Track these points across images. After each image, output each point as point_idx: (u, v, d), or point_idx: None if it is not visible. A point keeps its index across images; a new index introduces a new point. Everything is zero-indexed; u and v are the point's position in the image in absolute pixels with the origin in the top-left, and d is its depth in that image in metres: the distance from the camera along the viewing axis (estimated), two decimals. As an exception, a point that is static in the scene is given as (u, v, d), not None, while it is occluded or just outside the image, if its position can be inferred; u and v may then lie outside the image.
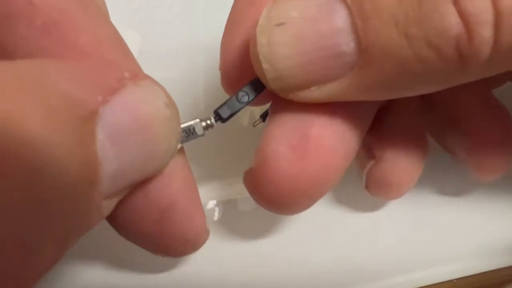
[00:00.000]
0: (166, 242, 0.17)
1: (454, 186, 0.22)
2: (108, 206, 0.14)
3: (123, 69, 0.14)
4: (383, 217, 0.22)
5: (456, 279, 0.21)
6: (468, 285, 0.21)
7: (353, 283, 0.20)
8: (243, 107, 0.16)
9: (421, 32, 0.13)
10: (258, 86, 0.16)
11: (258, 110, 0.23)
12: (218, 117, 0.16)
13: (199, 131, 0.16)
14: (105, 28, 0.16)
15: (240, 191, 0.22)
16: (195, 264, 0.20)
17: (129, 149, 0.13)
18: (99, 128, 0.12)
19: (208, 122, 0.16)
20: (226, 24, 0.17)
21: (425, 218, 0.22)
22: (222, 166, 0.23)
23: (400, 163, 0.19)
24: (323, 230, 0.21)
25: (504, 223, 0.22)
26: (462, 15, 0.13)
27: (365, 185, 0.20)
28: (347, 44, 0.14)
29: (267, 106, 0.23)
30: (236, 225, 0.21)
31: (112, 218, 0.16)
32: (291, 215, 0.17)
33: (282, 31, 0.15)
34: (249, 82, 0.16)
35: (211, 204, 0.22)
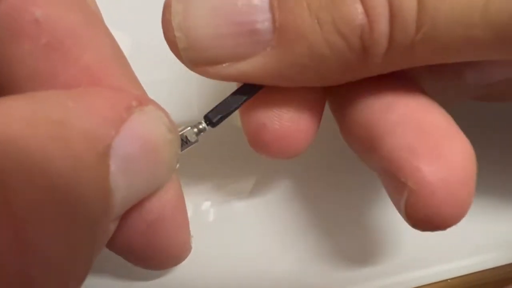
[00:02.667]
0: (150, 254, 0.17)
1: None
2: (113, 228, 0.15)
3: (130, 97, 0.14)
4: (376, 217, 0.22)
5: (451, 279, 0.21)
6: (463, 284, 0.21)
7: (348, 283, 0.20)
8: (233, 111, 0.16)
9: (331, 18, 0.14)
10: (248, 90, 0.16)
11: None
12: (208, 121, 0.16)
13: (192, 138, 0.16)
14: (108, 45, 0.16)
15: (234, 191, 0.22)
16: (190, 265, 0.20)
17: (137, 176, 0.14)
18: (112, 160, 0.13)
19: (200, 127, 0.16)
20: None
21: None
22: (216, 167, 0.23)
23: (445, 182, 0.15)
24: (319, 230, 0.21)
25: (499, 221, 0.22)
26: (365, 6, 0.14)
27: (409, 223, 0.16)
28: (262, 22, 0.14)
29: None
30: (231, 226, 0.21)
31: None
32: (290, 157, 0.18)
33: (199, 1, 0.15)
34: (239, 87, 0.16)
35: (205, 205, 0.22)
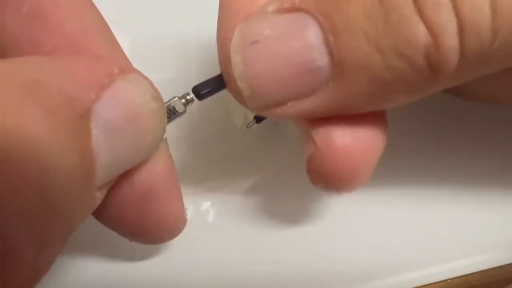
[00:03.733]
0: (145, 227, 0.17)
1: (449, 184, 0.22)
2: (100, 196, 0.15)
3: (112, 64, 0.14)
4: (376, 218, 0.22)
5: (451, 279, 0.21)
6: (463, 284, 0.21)
7: (348, 283, 0.20)
8: (222, 89, 0.16)
9: (391, 43, 0.13)
10: None
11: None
12: (196, 93, 0.16)
13: (179, 108, 0.16)
14: (91, 14, 0.16)
15: (234, 191, 0.22)
16: (190, 265, 0.20)
17: (121, 142, 0.14)
18: (93, 123, 0.13)
19: (188, 97, 0.16)
20: (218, 20, 0.17)
21: (418, 218, 0.22)
22: (217, 167, 0.23)
23: (348, 145, 0.17)
24: (318, 231, 0.21)
25: (499, 221, 0.22)
26: (428, 25, 0.13)
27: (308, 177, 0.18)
28: (321, 59, 0.14)
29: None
30: (231, 227, 0.21)
31: None
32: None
33: (256, 49, 0.15)
34: None
35: (205, 205, 0.22)
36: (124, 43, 0.23)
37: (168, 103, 0.16)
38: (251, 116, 0.22)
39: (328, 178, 0.16)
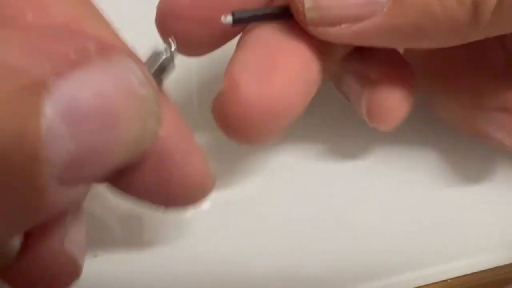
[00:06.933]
0: (169, 190, 0.16)
1: (449, 184, 0.22)
2: (73, 194, 0.13)
3: (86, 39, 0.13)
4: (376, 217, 0.22)
5: (451, 279, 0.21)
6: (463, 284, 0.21)
7: (348, 283, 0.20)
8: (256, 20, 0.17)
9: None
10: (281, 15, 0.17)
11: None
12: (232, 16, 0.16)
13: (168, 64, 0.15)
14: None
15: (234, 191, 0.22)
16: (190, 265, 0.20)
17: (91, 132, 0.12)
18: (47, 102, 0.11)
19: (172, 49, 0.15)
20: None
21: (418, 218, 0.22)
22: (217, 168, 0.23)
23: (395, 87, 0.19)
24: (318, 231, 0.21)
25: (499, 221, 0.22)
26: None
27: (365, 113, 0.19)
28: None
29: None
30: (231, 226, 0.21)
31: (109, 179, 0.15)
32: (256, 144, 0.18)
33: None
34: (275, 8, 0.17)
35: (205, 205, 0.22)
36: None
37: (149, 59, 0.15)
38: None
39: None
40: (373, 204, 0.22)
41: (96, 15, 0.15)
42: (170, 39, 0.15)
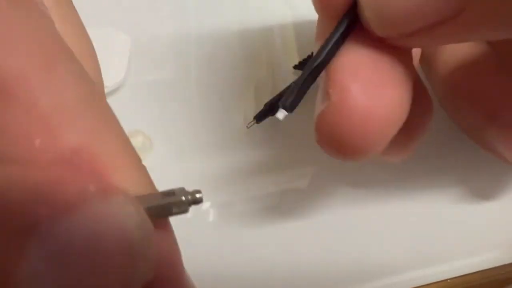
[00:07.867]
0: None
1: (449, 185, 0.22)
2: None
3: (88, 179, 0.12)
4: (376, 218, 0.22)
5: (451, 279, 0.21)
6: (463, 284, 0.21)
7: (348, 283, 0.20)
8: (306, 90, 0.15)
9: None
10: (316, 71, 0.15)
11: (252, 111, 0.23)
12: (284, 107, 0.15)
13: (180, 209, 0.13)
14: (75, 83, 0.13)
15: (234, 191, 0.22)
16: (189, 265, 0.20)
17: (76, 278, 0.11)
18: (34, 245, 0.11)
19: (197, 196, 0.13)
20: None
21: (418, 218, 0.22)
22: (217, 168, 0.23)
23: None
24: (321, 231, 0.21)
25: (499, 221, 0.22)
26: None
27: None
28: None
29: (260, 107, 0.23)
30: (231, 227, 0.21)
31: None
32: (361, 159, 0.16)
33: None
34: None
35: (205, 205, 0.22)
36: (124, 43, 0.23)
37: (170, 199, 0.13)
38: (251, 116, 0.22)
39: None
40: (373, 205, 0.22)
41: (110, 137, 0.13)
42: (198, 192, 0.13)
